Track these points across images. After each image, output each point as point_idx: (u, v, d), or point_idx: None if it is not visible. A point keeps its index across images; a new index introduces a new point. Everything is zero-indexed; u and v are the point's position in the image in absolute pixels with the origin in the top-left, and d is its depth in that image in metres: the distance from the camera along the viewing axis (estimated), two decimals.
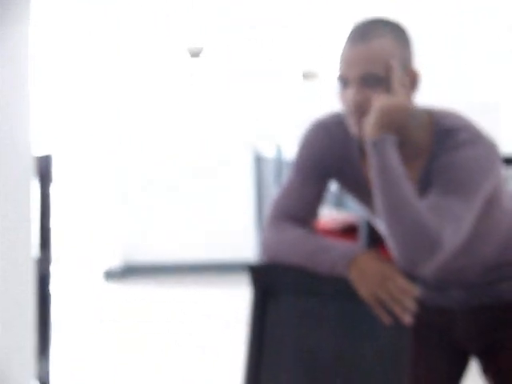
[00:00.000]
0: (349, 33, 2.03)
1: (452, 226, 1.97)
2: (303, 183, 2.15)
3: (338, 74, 2.03)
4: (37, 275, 4.05)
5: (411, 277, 1.95)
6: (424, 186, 2.03)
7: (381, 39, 1.98)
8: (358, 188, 2.13)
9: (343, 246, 1.97)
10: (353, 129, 2.00)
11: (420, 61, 6.60)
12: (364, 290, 1.95)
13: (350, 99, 1.98)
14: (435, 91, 6.69)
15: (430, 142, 2.02)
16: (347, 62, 1.99)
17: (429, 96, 6.48)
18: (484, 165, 1.99)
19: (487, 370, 2.30)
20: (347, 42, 2.01)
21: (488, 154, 2.01)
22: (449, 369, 2.34)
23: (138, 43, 7.11)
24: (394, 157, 1.98)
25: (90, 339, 5.37)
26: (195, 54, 7.23)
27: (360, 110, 1.97)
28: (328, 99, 6.11)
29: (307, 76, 7.19)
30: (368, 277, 1.99)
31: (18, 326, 3.95)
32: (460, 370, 2.36)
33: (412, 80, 2.01)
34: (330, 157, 2.12)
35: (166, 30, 7.19)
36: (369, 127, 1.92)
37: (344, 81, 2.00)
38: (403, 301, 1.94)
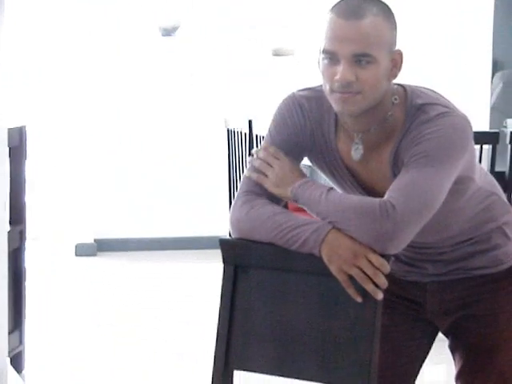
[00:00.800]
0: (337, 7, 2.02)
1: (419, 200, 1.99)
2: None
3: (325, 48, 2.02)
4: (9, 249, 4.03)
5: (382, 254, 1.97)
6: (396, 161, 2.03)
7: (373, 18, 2.00)
8: (331, 164, 2.14)
9: (314, 223, 1.98)
10: (335, 105, 2.00)
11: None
12: (335, 266, 1.95)
13: (338, 76, 2.00)
14: None
15: (403, 122, 2.04)
16: (338, 38, 1.99)
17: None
18: (455, 138, 2.01)
19: (454, 345, 2.36)
20: (337, 17, 2.00)
21: (460, 127, 2.03)
22: (416, 339, 2.41)
23: (111, 20, 7.03)
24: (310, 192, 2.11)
25: (63, 313, 5.35)
26: (167, 32, 7.19)
27: (347, 87, 1.99)
28: (297, 76, 6.09)
29: (278, 53, 7.19)
30: (339, 254, 1.99)
31: None
32: (429, 343, 2.42)
33: (396, 61, 2.07)
34: (303, 133, 2.12)
35: (137, 8, 7.12)
36: None
37: (332, 56, 1.99)
38: (375, 277, 1.93)
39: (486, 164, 4.48)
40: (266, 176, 2.07)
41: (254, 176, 2.08)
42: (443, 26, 7.28)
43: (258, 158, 2.09)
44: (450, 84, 6.65)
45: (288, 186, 2.02)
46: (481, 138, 4.48)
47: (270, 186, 2.04)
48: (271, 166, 2.08)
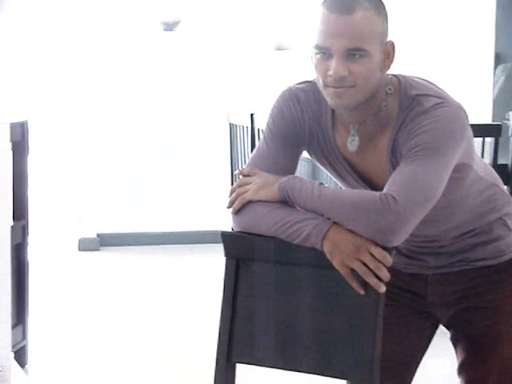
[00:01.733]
0: (328, 2, 2.03)
1: (420, 193, 2.00)
2: (274, 151, 2.16)
3: (318, 43, 2.04)
4: (12, 243, 4.05)
5: (384, 247, 1.98)
6: (394, 153, 2.04)
7: (364, 12, 2.01)
8: (330, 156, 2.15)
9: (314, 218, 1.98)
10: (329, 99, 2.00)
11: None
12: (337, 260, 1.96)
13: (331, 71, 2.01)
14: None
15: (397, 113, 2.06)
16: (331, 33, 2.00)
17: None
18: (451, 128, 2.03)
19: (455, 337, 2.38)
20: (329, 12, 2.01)
21: (455, 117, 2.05)
22: (418, 331, 2.43)
23: (112, 14, 7.05)
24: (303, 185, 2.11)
25: (66, 307, 5.37)
26: (168, 27, 7.23)
27: (340, 81, 1.97)
28: (299, 70, 6.13)
29: (279, 48, 7.23)
30: (341, 248, 2.00)
31: None
32: (430, 335, 2.44)
33: (389, 52, 2.07)
34: (300, 126, 2.13)
35: (139, 3, 7.15)
36: None
37: (324, 51, 2.00)
38: (377, 271, 1.95)
39: (488, 157, 4.48)
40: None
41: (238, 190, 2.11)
42: (445, 20, 7.29)
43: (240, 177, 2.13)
44: (453, 77, 6.66)
45: (273, 185, 2.02)
46: (483, 130, 4.49)
47: (251, 193, 2.06)
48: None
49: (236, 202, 2.07)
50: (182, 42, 7.33)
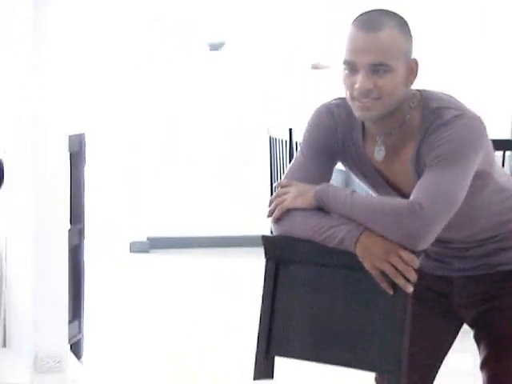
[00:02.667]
0: (357, 20, 2.07)
1: (444, 199, 2.02)
2: (310, 162, 2.23)
3: (345, 59, 2.08)
4: (70, 245, 4.14)
5: (412, 251, 2.00)
6: (418, 162, 2.09)
7: (389, 30, 2.04)
8: (361, 166, 2.20)
9: (349, 223, 2.03)
10: (357, 112, 2.05)
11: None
12: (369, 263, 2.01)
13: (357, 84, 2.04)
14: None
15: (420, 125, 2.08)
16: (357, 49, 2.04)
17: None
18: (470, 138, 2.07)
19: (478, 336, 2.39)
20: (357, 30, 2.05)
21: (473, 127, 2.09)
22: (444, 329, 2.44)
23: (162, 35, 7.20)
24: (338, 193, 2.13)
25: (118, 305, 5.63)
26: (214, 47, 7.36)
27: (366, 95, 2.02)
28: (334, 88, 6.22)
29: (316, 67, 7.37)
30: (372, 251, 2.03)
31: (52, 293, 4.06)
32: (454, 332, 2.46)
33: (413, 69, 2.10)
34: (334, 138, 2.18)
35: (188, 26, 7.30)
36: None
37: (352, 66, 2.04)
38: (406, 272, 1.99)
39: (508, 170, 4.51)
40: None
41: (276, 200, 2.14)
42: (468, 35, 7.29)
43: (279, 187, 2.23)
44: (474, 91, 6.65)
45: (309, 193, 2.08)
46: (503, 145, 4.50)
47: (289, 201, 2.11)
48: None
49: (275, 212, 2.12)
50: (226, 61, 7.47)
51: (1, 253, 4.15)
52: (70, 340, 4.08)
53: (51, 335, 4.00)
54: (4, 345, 4.44)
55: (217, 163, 7.29)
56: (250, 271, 5.91)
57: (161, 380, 4.32)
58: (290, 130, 5.59)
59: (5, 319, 4.34)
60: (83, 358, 4.35)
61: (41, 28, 4.10)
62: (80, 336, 4.36)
